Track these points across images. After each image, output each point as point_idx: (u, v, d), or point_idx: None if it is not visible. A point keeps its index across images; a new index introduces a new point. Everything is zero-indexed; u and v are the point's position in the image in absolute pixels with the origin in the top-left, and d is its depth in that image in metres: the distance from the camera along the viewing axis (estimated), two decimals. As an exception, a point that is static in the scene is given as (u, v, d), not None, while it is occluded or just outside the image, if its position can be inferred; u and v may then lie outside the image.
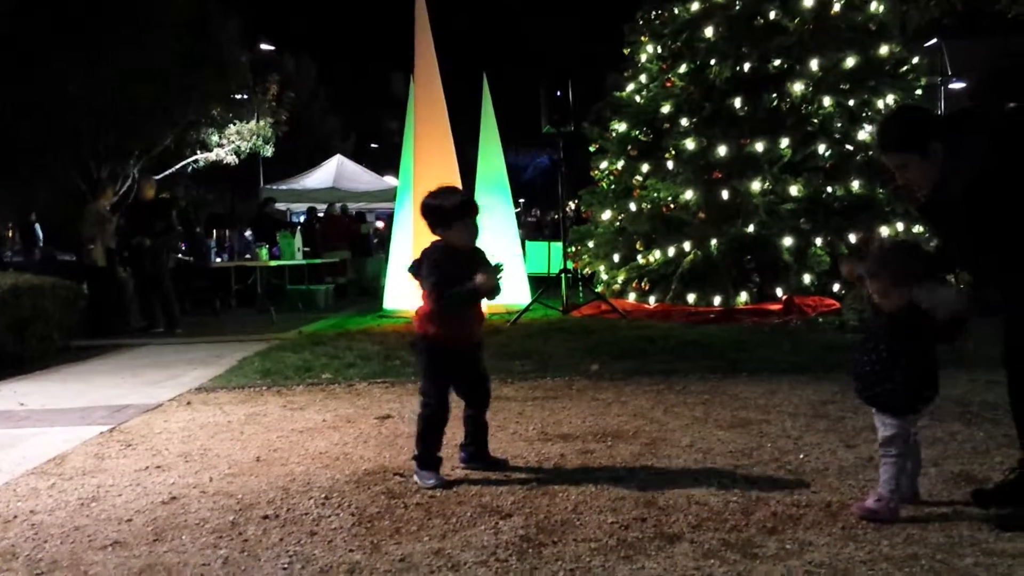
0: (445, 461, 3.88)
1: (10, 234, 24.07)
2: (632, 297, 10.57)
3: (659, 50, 11.18)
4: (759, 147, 9.94)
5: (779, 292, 9.58)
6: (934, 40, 20.22)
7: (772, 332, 8.23)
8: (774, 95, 10.13)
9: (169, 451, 4.53)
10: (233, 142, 19.87)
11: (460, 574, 2.81)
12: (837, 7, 10.45)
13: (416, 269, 3.91)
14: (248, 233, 14.72)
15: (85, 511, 3.57)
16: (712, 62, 10.45)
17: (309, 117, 32.31)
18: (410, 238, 10.51)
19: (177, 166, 19.59)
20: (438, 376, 3.86)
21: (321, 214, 18.66)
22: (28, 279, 8.48)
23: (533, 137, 18.26)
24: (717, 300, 9.68)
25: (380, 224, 23.30)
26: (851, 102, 10.18)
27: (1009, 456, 3.76)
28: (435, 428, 3.82)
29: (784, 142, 9.96)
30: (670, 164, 10.46)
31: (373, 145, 42.87)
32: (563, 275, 10.87)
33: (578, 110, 11.16)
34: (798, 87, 10.08)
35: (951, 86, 21.95)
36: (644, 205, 10.67)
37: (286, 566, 2.92)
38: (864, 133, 10.09)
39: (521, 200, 25.38)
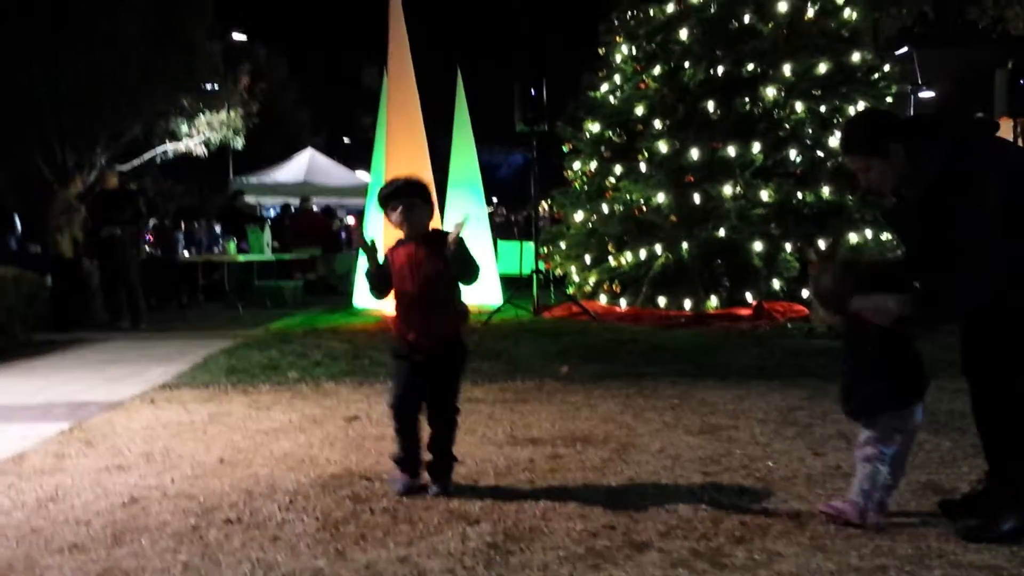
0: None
1: None
2: (603, 299, 10.57)
3: (634, 51, 11.17)
4: (731, 151, 9.97)
5: (749, 297, 9.62)
6: (905, 48, 20.48)
7: (742, 337, 8.27)
8: (747, 99, 10.17)
9: (131, 451, 4.44)
10: (203, 133, 19.65)
11: (426, 583, 2.77)
12: (811, 13, 10.51)
13: None
14: (217, 227, 14.54)
15: (43, 512, 3.48)
16: (686, 65, 10.47)
17: (280, 109, 32.00)
18: (381, 234, 10.44)
19: (145, 156, 19.33)
20: (396, 372, 3.72)
21: (294, 209, 18.50)
22: (-12, 271, 8.31)
23: (507, 135, 18.20)
24: (688, 304, 9.70)
25: (351, 220, 23.15)
26: (823, 108, 10.23)
27: (976, 466, 3.79)
28: (399, 426, 3.68)
29: (756, 147, 9.99)
30: (643, 166, 10.46)
31: (345, 139, 42.60)
32: (535, 276, 10.85)
33: (552, 109, 11.14)
34: (771, 92, 10.12)
35: (921, 94, 22.24)
36: (616, 207, 10.66)
37: (248, 572, 2.86)
38: (835, 140, 10.15)
39: (494, 199, 25.33)
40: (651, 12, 10.94)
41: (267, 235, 13.38)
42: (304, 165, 22.04)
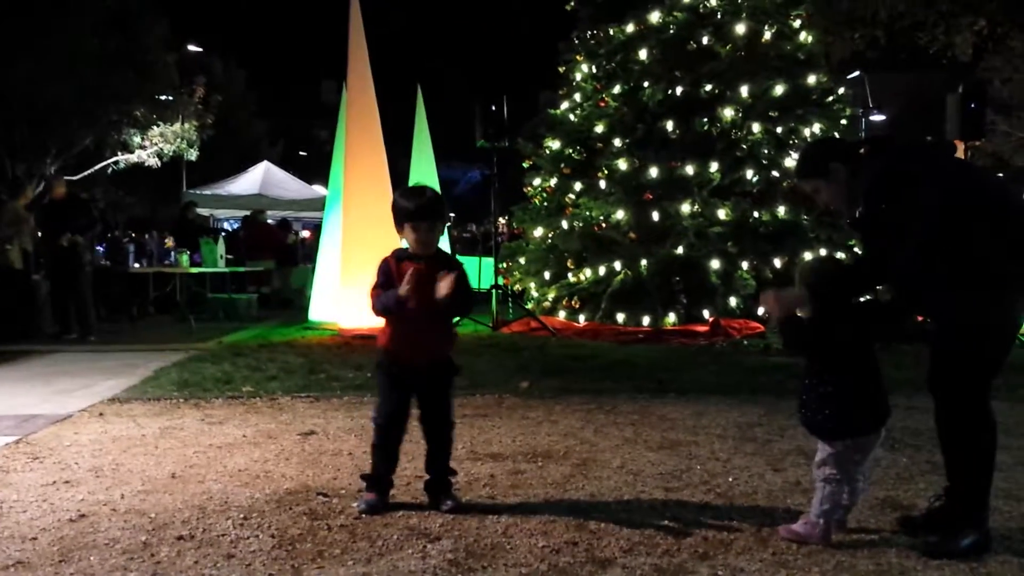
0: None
1: None
2: (562, 315, 10.58)
3: (594, 70, 11.26)
4: (689, 170, 10.07)
5: (706, 314, 9.69)
6: (857, 72, 20.94)
7: (699, 353, 8.31)
8: (705, 119, 10.29)
9: (79, 465, 4.30)
10: (156, 144, 19.35)
11: (386, 601, 2.71)
12: (768, 35, 10.68)
13: None
14: (169, 238, 14.28)
15: (-16, 529, 3.35)
16: (646, 84, 10.57)
17: (236, 121, 31.69)
18: (338, 248, 10.34)
19: (96, 167, 18.97)
20: (386, 390, 3.64)
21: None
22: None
23: (466, 151, 18.23)
24: (646, 320, 9.74)
25: (307, 234, 22.93)
26: (779, 129, 10.39)
27: (933, 483, 3.83)
28: (380, 447, 3.61)
29: (714, 166, 10.11)
30: (602, 183, 10.53)
31: (302, 153, 42.30)
32: (494, 291, 10.82)
33: (512, 126, 11.16)
34: (728, 112, 10.25)
35: (872, 117, 22.74)
36: (576, 223, 10.70)
37: (201, 591, 2.78)
38: (790, 160, 10.31)
39: (452, 214, 25.31)
40: (611, 32, 11.04)
41: (221, 247, 13.18)
42: (259, 178, 21.74)
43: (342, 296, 9.93)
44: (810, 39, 10.92)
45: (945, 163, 3.28)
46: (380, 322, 3.70)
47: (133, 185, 25.38)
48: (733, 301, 9.75)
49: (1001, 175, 15.92)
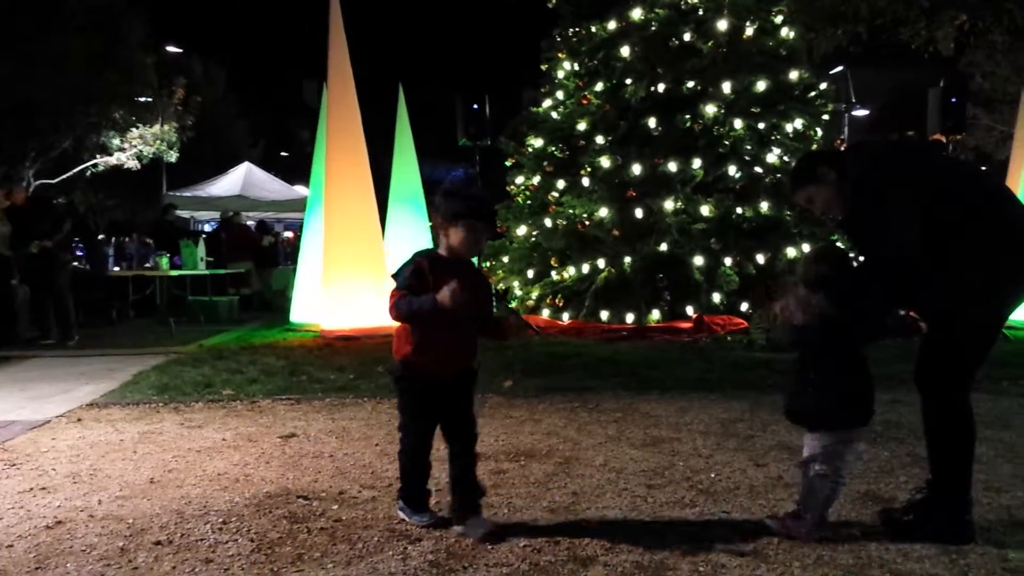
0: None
1: None
2: (546, 313, 10.55)
3: (576, 67, 11.24)
4: (672, 167, 10.07)
5: (690, 310, 9.69)
6: (839, 68, 21.02)
7: (683, 350, 8.31)
8: (687, 116, 10.28)
9: (56, 471, 4.25)
10: (135, 146, 19.20)
11: (365, 603, 2.68)
12: (750, 31, 10.68)
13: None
14: (149, 241, 14.18)
15: (-42, 538, 3.30)
16: (628, 81, 10.55)
17: (216, 122, 31.48)
18: (320, 249, 10.28)
19: (75, 170, 18.80)
20: (413, 409, 3.36)
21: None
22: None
23: (449, 150, 18.16)
24: (630, 317, 9.73)
25: (289, 234, 22.81)
26: (761, 125, 10.40)
27: (913, 476, 3.84)
28: (414, 466, 3.38)
29: (696, 163, 10.10)
30: (586, 181, 10.51)
31: (283, 153, 42.08)
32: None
33: (495, 124, 11.12)
34: (711, 109, 10.25)
35: (855, 113, 22.84)
36: (559, 221, 10.67)
37: (178, 597, 2.74)
38: (773, 156, 10.34)
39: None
40: (593, 29, 11.01)
41: (201, 249, 13.08)
42: (240, 179, 21.60)
43: (324, 296, 9.87)
44: (792, 35, 10.93)
45: (933, 160, 3.31)
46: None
47: (113, 188, 25.17)
48: (717, 297, 9.75)
49: (984, 168, 16.02)
